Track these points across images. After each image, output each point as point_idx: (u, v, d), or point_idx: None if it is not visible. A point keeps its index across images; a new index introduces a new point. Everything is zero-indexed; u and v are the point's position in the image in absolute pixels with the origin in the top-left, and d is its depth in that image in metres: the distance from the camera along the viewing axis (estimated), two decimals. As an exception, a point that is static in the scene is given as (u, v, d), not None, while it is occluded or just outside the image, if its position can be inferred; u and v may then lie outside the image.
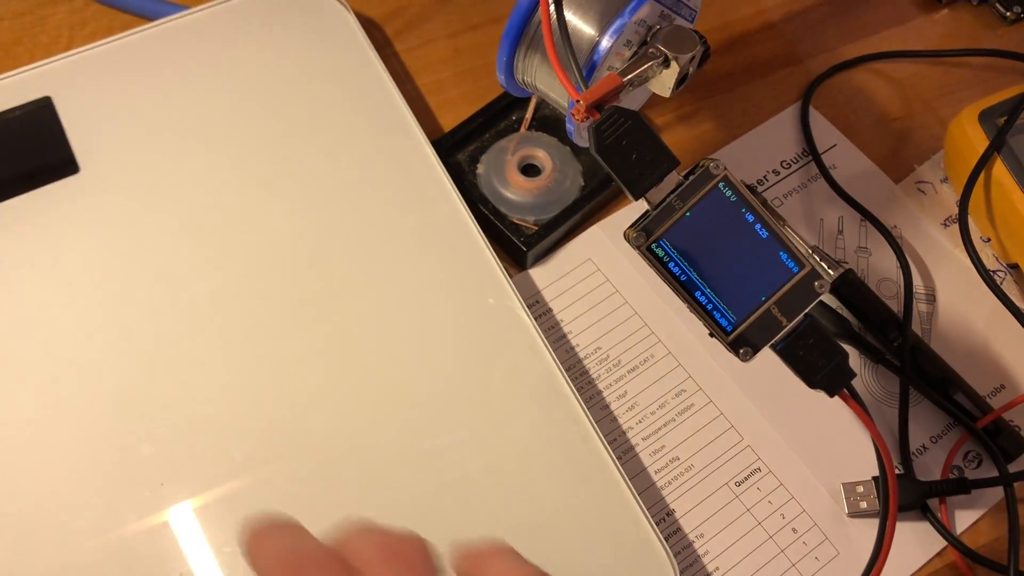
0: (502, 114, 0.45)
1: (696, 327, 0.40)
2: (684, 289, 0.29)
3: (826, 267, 0.29)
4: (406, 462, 0.35)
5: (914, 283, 0.42)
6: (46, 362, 0.36)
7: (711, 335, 0.30)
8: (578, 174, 0.43)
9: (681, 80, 0.31)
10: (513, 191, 0.42)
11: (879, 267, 0.42)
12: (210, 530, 0.33)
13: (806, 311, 0.29)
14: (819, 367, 0.30)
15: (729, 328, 0.29)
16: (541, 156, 0.43)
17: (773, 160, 0.45)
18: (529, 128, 0.44)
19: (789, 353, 0.30)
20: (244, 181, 0.40)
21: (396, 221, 0.40)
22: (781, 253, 0.29)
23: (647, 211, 0.29)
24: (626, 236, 0.29)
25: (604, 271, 0.42)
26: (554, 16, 0.28)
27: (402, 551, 0.25)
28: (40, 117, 0.41)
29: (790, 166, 0.45)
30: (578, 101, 0.27)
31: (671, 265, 0.29)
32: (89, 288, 0.37)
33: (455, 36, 0.48)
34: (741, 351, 0.29)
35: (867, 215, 0.43)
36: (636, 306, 0.41)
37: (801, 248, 0.29)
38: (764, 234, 0.29)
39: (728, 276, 0.29)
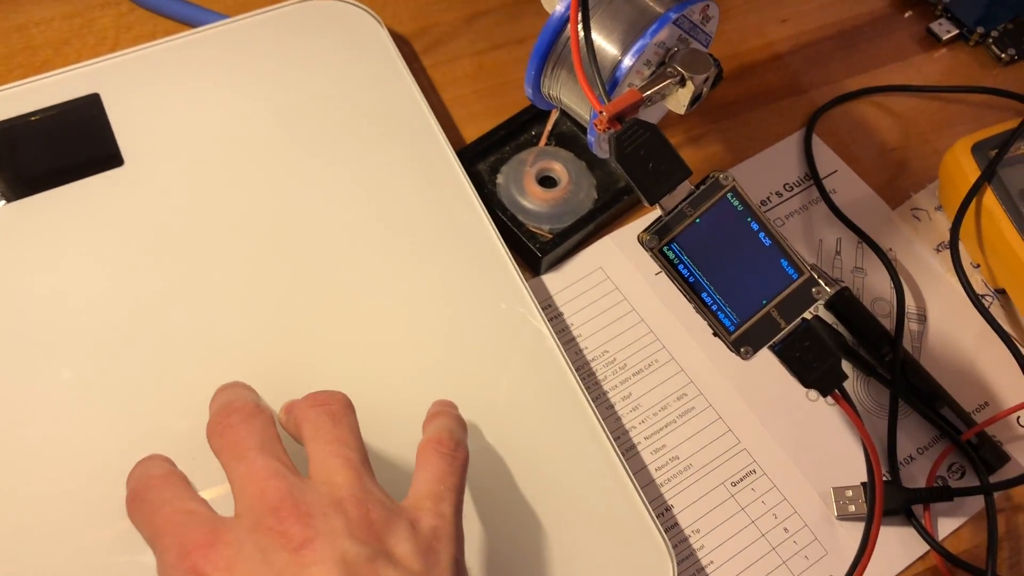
0: (522, 128, 0.47)
1: (699, 335, 0.43)
2: (691, 290, 0.31)
3: (823, 283, 0.31)
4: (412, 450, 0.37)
5: (906, 303, 0.44)
6: (85, 342, 0.38)
7: (715, 334, 0.32)
8: (592, 187, 0.46)
9: (695, 99, 0.33)
10: (530, 201, 0.45)
11: (874, 287, 0.45)
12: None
13: (803, 315, 0.31)
14: (814, 368, 0.32)
15: (732, 328, 0.31)
16: (558, 169, 0.45)
17: (776, 183, 0.48)
18: (547, 143, 0.46)
19: (786, 354, 0.32)
20: (277, 181, 0.42)
21: (421, 224, 0.42)
22: (782, 260, 0.31)
23: (660, 217, 0.31)
24: (640, 239, 0.31)
25: (613, 279, 0.44)
26: (581, 36, 0.31)
27: (322, 398, 0.31)
28: (89, 112, 0.43)
29: (792, 189, 0.47)
30: (601, 112, 0.30)
31: (680, 267, 0.31)
32: (128, 272, 0.39)
33: (480, 54, 0.51)
34: (742, 350, 0.31)
35: (864, 237, 0.45)
36: (643, 313, 0.43)
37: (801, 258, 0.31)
38: (767, 242, 0.31)
39: (732, 280, 0.31)
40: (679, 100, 0.33)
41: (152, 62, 0.45)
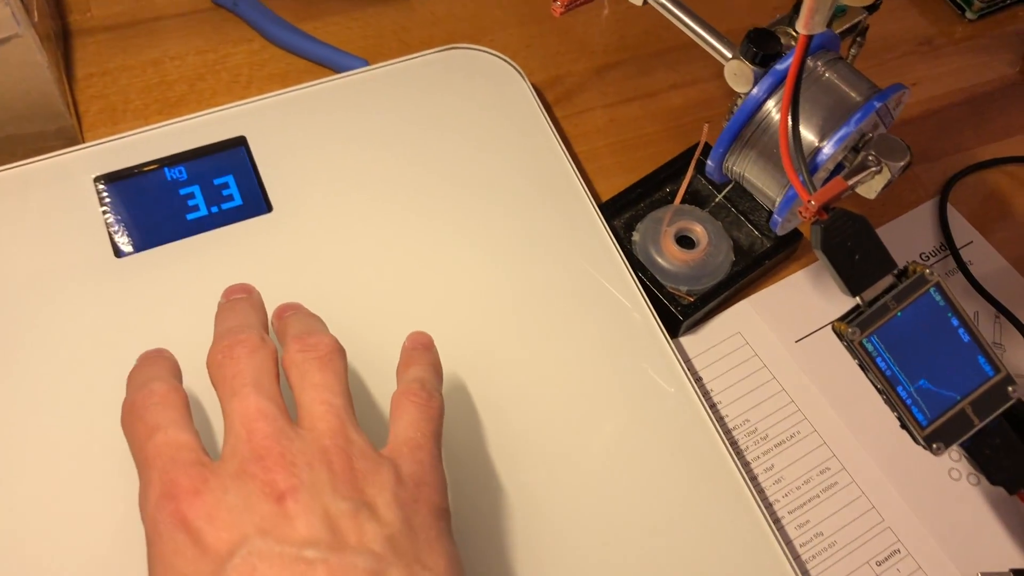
0: (658, 186, 0.47)
1: (841, 406, 0.42)
2: (888, 384, 0.31)
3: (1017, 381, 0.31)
4: (568, 518, 0.37)
5: (1048, 383, 0.44)
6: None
7: (902, 426, 0.32)
8: (730, 250, 0.45)
9: (886, 185, 0.33)
10: (668, 260, 0.44)
11: (1013, 362, 0.44)
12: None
13: (998, 413, 0.31)
14: (1003, 466, 0.31)
15: (925, 423, 0.31)
16: (698, 231, 0.45)
17: (912, 252, 0.47)
18: (682, 201, 0.46)
19: (975, 450, 0.31)
20: (421, 229, 0.42)
21: (563, 281, 0.42)
22: (979, 357, 0.31)
23: (857, 306, 0.31)
24: (837, 330, 0.31)
25: (752, 345, 0.44)
26: (790, 123, 0.30)
27: (311, 341, 0.31)
28: (235, 155, 0.43)
29: (928, 259, 0.47)
30: (809, 202, 0.29)
31: (879, 360, 0.31)
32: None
33: (610, 107, 0.51)
34: (934, 445, 0.31)
35: (1004, 311, 0.45)
36: (783, 382, 0.43)
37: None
38: (966, 338, 0.31)
39: (928, 374, 0.31)
40: (872, 187, 0.32)
41: (295, 106, 0.45)
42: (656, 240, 0.45)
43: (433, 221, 0.43)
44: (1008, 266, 0.47)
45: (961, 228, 0.48)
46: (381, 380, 0.38)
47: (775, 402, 0.43)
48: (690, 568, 0.36)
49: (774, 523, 0.40)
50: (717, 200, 0.46)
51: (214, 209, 0.42)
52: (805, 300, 0.45)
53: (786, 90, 0.29)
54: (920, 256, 0.47)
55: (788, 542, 0.40)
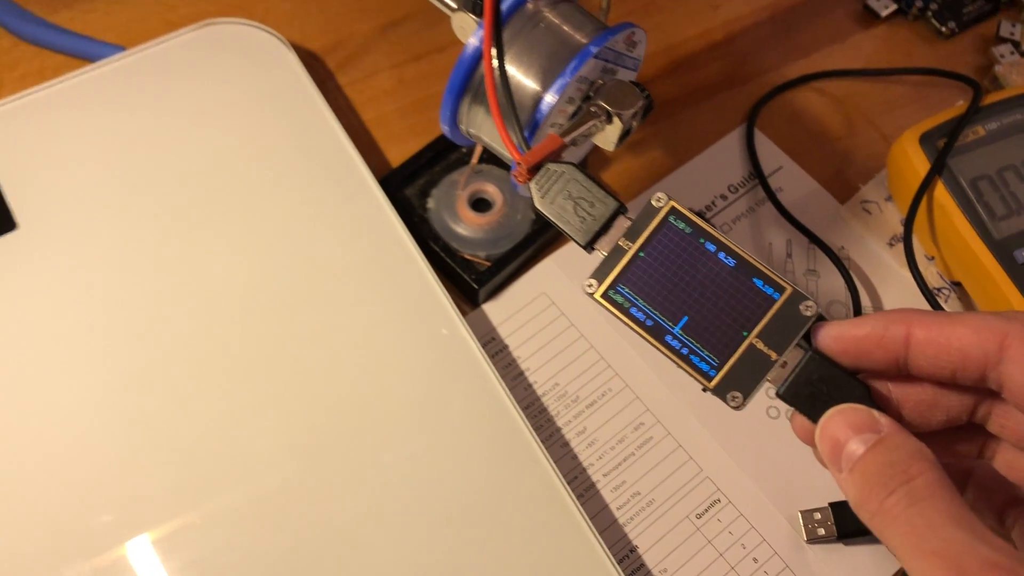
0: (452, 146, 0.44)
1: (651, 359, 0.41)
2: (652, 335, 0.28)
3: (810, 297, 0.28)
4: (359, 505, 0.35)
5: (862, 303, 0.42)
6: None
7: (704, 389, 0.29)
8: (528, 208, 0.43)
9: (624, 135, 0.30)
10: (464, 226, 0.42)
11: (828, 289, 0.43)
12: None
13: (796, 339, 0.27)
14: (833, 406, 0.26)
15: (712, 372, 0.28)
16: (491, 191, 0.43)
17: (720, 185, 0.45)
18: (480, 161, 0.43)
19: (795, 395, 0.27)
20: (188, 227, 0.39)
21: (343, 262, 0.39)
22: (755, 280, 0.28)
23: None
24: (583, 288, 0.29)
25: (559, 305, 0.42)
26: (498, 74, 0.28)
27: None
28: (-29, 171, 0.39)
29: (737, 190, 0.45)
30: (519, 163, 0.27)
31: (633, 311, 0.28)
32: (32, 351, 0.36)
33: (399, 67, 0.48)
34: (729, 396, 0.27)
35: (814, 239, 0.44)
36: (592, 339, 0.41)
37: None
38: (731, 262, 0.28)
39: (701, 315, 0.28)
40: (607, 137, 0.30)
41: (42, 107, 0.41)
42: (451, 206, 0.43)
43: (200, 217, 0.40)
44: (819, 188, 0.46)
45: (770, 154, 0.46)
46: (154, 406, 0.36)
47: (584, 361, 0.41)
48: (490, 552, 0.35)
49: (588, 488, 0.38)
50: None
51: (-50, 233, 0.38)
52: (609, 250, 0.43)
53: (485, 35, 0.27)
54: (729, 188, 0.45)
55: (603, 507, 0.38)
